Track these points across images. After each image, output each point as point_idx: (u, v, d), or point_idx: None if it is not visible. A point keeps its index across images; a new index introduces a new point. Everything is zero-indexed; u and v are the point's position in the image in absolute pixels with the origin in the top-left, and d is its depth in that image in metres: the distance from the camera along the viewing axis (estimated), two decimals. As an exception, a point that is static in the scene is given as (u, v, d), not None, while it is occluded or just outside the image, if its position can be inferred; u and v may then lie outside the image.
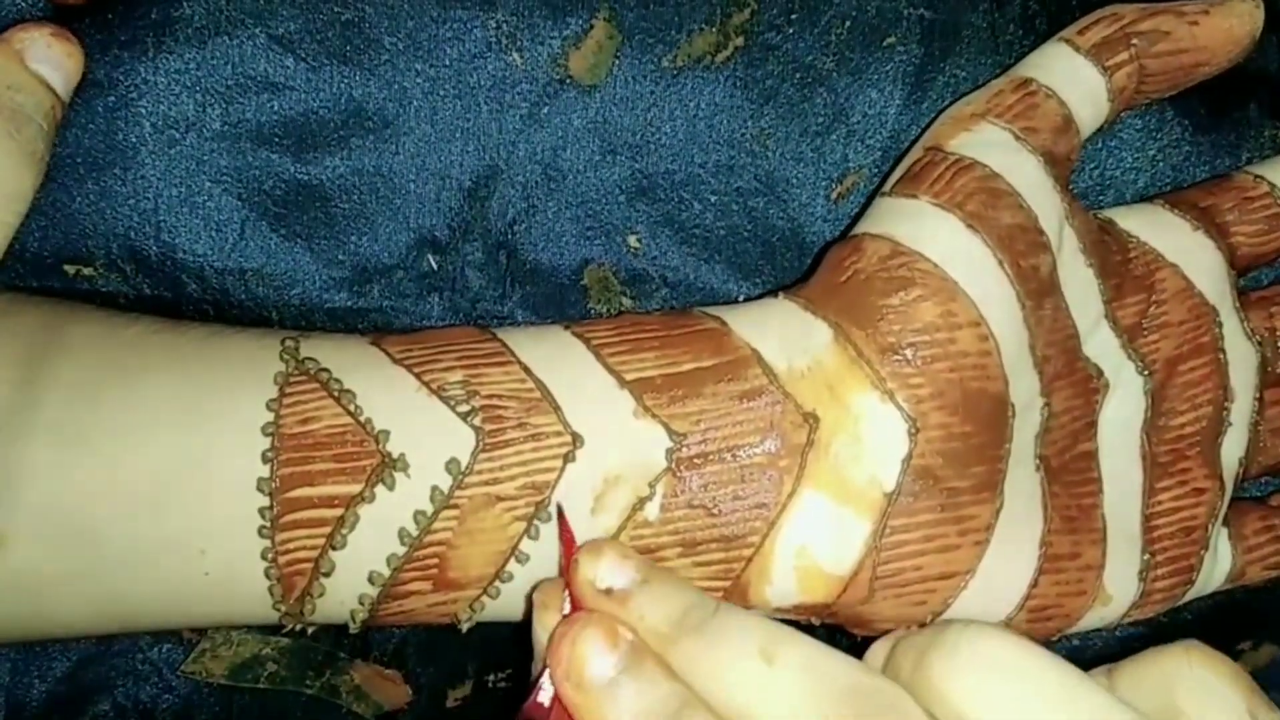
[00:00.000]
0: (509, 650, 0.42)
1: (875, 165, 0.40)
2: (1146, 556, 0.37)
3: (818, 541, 0.34)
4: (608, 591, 0.30)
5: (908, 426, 0.33)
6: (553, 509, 0.33)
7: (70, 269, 0.39)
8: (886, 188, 0.36)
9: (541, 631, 0.31)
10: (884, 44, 0.39)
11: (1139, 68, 0.37)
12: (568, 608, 0.31)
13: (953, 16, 0.39)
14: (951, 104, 0.39)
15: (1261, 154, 0.41)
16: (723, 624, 0.30)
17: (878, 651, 0.31)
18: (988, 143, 0.35)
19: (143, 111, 0.37)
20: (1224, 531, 0.39)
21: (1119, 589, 0.36)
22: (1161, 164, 0.41)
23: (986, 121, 0.36)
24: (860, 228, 0.36)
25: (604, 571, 0.31)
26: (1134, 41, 0.36)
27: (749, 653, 0.29)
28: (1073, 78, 0.36)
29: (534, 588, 0.32)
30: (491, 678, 0.42)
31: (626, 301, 0.40)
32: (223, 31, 0.37)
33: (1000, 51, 0.40)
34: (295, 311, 0.40)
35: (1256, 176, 0.39)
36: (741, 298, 0.40)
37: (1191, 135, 0.41)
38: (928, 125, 0.38)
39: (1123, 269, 0.38)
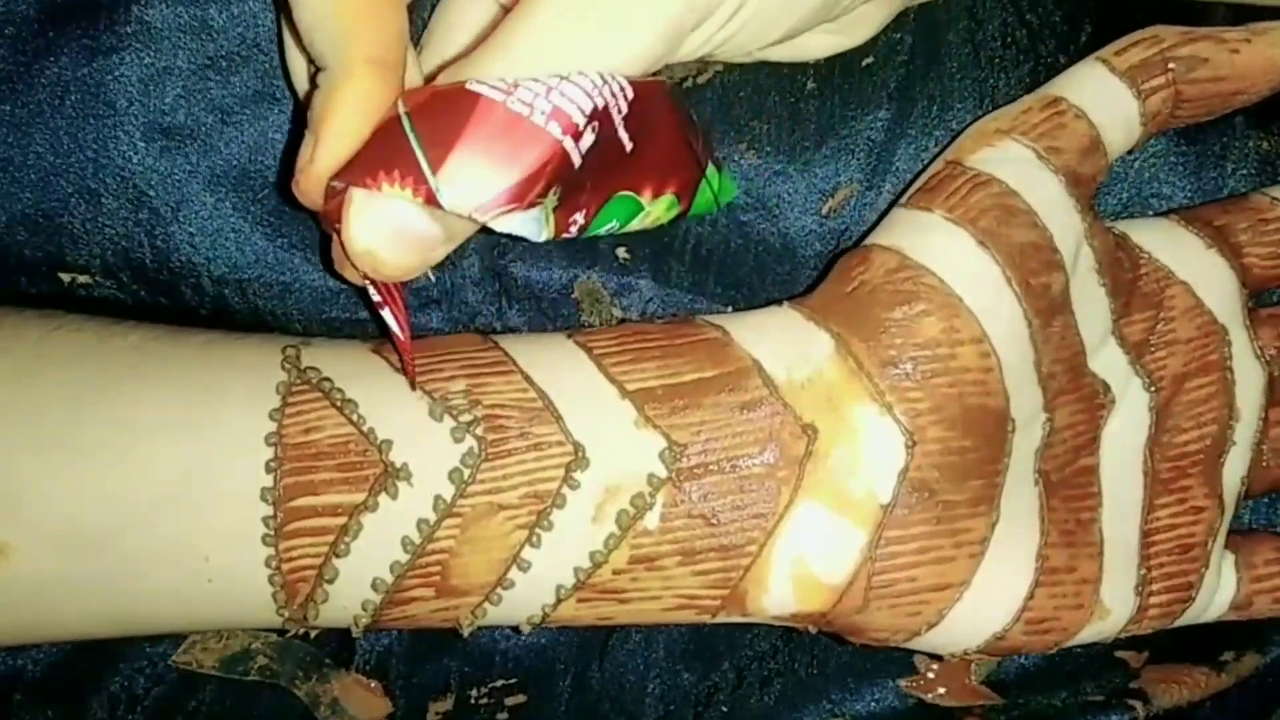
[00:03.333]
0: (494, 664, 0.42)
1: (865, 179, 0.40)
2: (1143, 572, 0.37)
3: (814, 551, 0.34)
4: None
5: (905, 440, 0.34)
6: (553, 518, 0.33)
7: (65, 276, 0.38)
8: (903, 199, 0.37)
9: None
10: (863, 64, 0.39)
11: (1175, 93, 0.36)
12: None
13: (930, 35, 0.39)
14: (938, 117, 0.39)
15: (1247, 165, 0.41)
16: None
17: None
18: (1008, 159, 0.35)
19: (134, 119, 0.37)
20: (1230, 558, 0.39)
21: (1116, 603, 0.37)
22: (1147, 174, 0.41)
23: (1010, 138, 0.36)
24: (872, 238, 0.36)
25: None
26: (1171, 66, 0.36)
27: None
28: (1105, 99, 0.36)
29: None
30: (474, 693, 0.42)
31: (617, 312, 0.40)
32: (215, 39, 0.37)
33: (982, 65, 0.40)
34: (292, 321, 0.40)
35: (1273, 199, 0.39)
36: (731, 311, 0.40)
37: (1177, 146, 0.41)
38: (944, 139, 0.39)
39: (1133, 285, 0.38)
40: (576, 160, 0.29)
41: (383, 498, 0.33)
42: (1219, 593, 0.39)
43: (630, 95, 0.30)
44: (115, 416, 0.33)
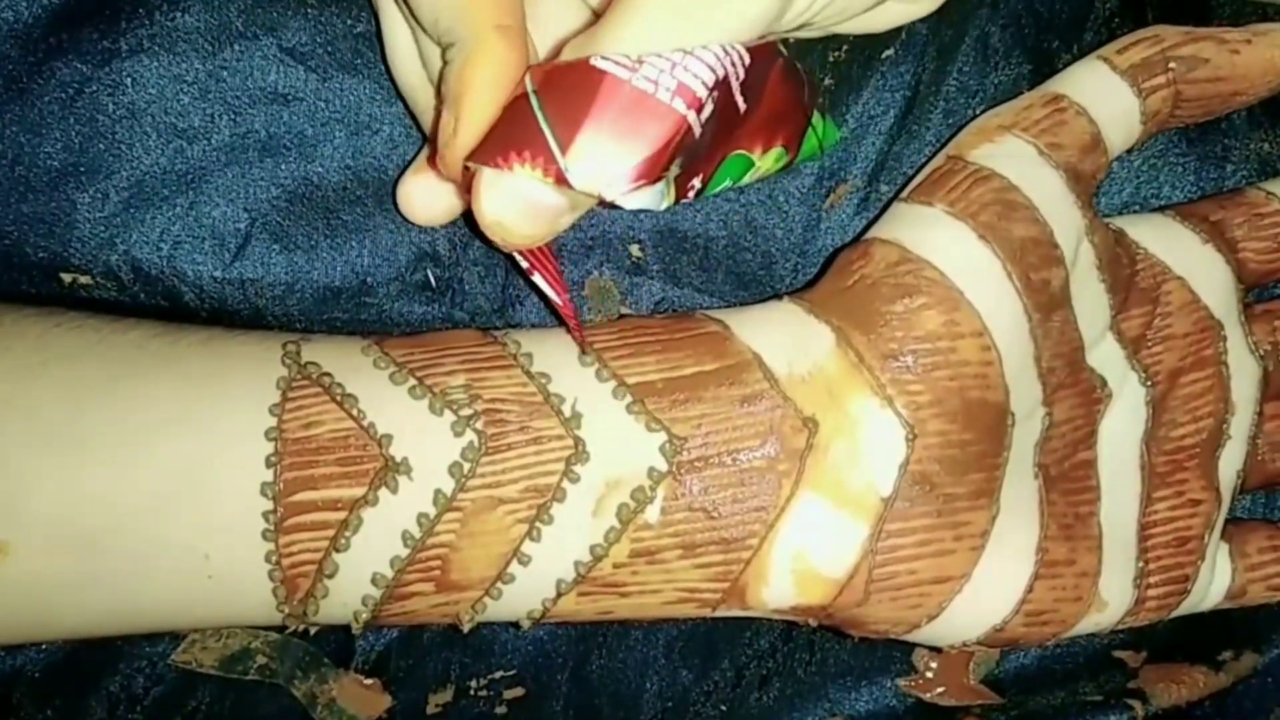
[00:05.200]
0: (493, 655, 0.42)
1: (867, 175, 0.40)
2: (1140, 564, 0.37)
3: (815, 544, 0.34)
4: None
5: (905, 433, 0.34)
6: (553, 512, 0.33)
7: (66, 277, 0.38)
8: (904, 194, 0.37)
9: None
10: (883, 57, 0.39)
11: (1175, 92, 0.37)
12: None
13: (949, 26, 0.39)
14: (944, 114, 0.39)
15: (1248, 165, 0.41)
16: None
17: None
18: (1009, 155, 0.36)
19: (150, 121, 0.37)
20: (1224, 547, 0.39)
21: (1114, 596, 0.37)
22: (1147, 173, 0.41)
23: (1011, 134, 0.36)
24: (873, 232, 0.36)
25: None
26: (1172, 66, 0.36)
27: None
28: (1106, 97, 0.37)
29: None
30: (473, 684, 0.42)
31: (626, 310, 0.40)
32: (234, 42, 0.37)
33: (988, 63, 0.40)
34: (294, 322, 0.40)
35: (1269, 193, 0.39)
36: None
37: (1178, 146, 0.41)
38: (948, 135, 0.39)
39: (1130, 281, 0.38)
40: (698, 132, 0.30)
41: (383, 492, 0.33)
42: (1214, 583, 0.39)
43: (747, 61, 0.31)
44: (115, 413, 0.33)
